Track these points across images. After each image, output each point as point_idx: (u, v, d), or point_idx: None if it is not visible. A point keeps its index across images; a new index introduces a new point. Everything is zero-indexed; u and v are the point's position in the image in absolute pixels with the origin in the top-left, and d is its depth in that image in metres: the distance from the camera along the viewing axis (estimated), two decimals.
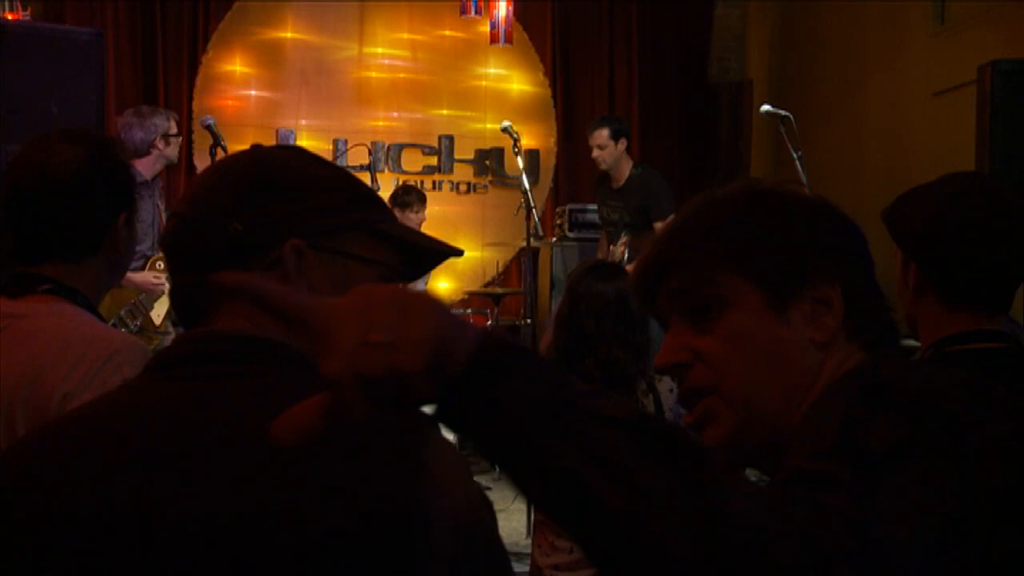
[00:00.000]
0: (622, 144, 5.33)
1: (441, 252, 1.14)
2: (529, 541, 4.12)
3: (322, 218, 1.00)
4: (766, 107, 4.62)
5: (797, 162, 4.46)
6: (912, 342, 1.58)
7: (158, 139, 4.44)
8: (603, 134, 5.30)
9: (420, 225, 5.98)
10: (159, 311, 4.59)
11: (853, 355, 0.97)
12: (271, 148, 1.16)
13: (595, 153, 5.37)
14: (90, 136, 1.66)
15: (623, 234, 5.22)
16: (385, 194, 6.02)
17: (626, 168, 5.36)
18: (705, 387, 0.99)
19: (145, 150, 4.38)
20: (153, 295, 4.47)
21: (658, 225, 5.20)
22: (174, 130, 4.55)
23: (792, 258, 0.98)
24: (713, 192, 1.06)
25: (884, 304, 1.02)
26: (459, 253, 1.15)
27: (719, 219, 1.01)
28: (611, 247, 5.33)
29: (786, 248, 0.98)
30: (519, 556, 4.02)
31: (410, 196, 5.93)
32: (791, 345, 0.97)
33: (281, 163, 1.04)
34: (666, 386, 2.54)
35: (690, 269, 1.00)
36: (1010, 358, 1.42)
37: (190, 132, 6.62)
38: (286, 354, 0.93)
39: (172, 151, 4.57)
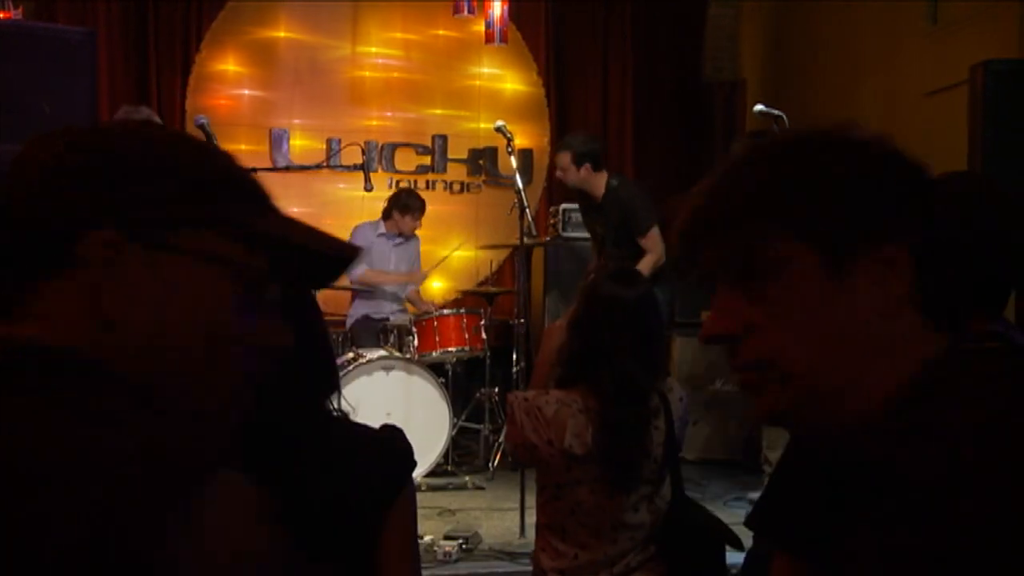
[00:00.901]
0: (586, 169, 5.17)
1: (333, 255, 0.94)
2: (522, 541, 4.14)
3: (154, 208, 0.82)
4: (759, 107, 4.62)
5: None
6: None
7: None
8: (565, 158, 5.18)
9: (413, 230, 5.99)
10: None
11: (926, 331, 0.88)
12: (127, 124, 0.97)
13: (557, 173, 5.30)
14: (67, 133, 1.64)
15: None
16: (379, 194, 6.02)
17: (599, 185, 5.25)
18: (760, 360, 0.90)
19: None
20: None
21: (640, 240, 5.18)
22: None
23: (851, 214, 0.88)
24: (758, 140, 0.95)
25: (966, 266, 0.93)
26: (355, 255, 0.96)
27: (766, 171, 0.92)
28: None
29: (843, 202, 0.88)
30: (513, 556, 4.03)
31: (413, 201, 5.95)
32: (853, 314, 0.88)
33: (122, 143, 0.87)
34: (676, 395, 2.52)
35: (736, 230, 0.90)
36: (1006, 359, 1.42)
37: (183, 131, 6.61)
38: (73, 367, 0.78)
39: None
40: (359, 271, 5.90)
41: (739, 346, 0.91)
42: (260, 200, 0.90)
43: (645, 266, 5.06)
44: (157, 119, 4.56)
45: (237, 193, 0.88)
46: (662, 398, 2.44)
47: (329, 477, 1.59)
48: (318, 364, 1.66)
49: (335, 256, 0.94)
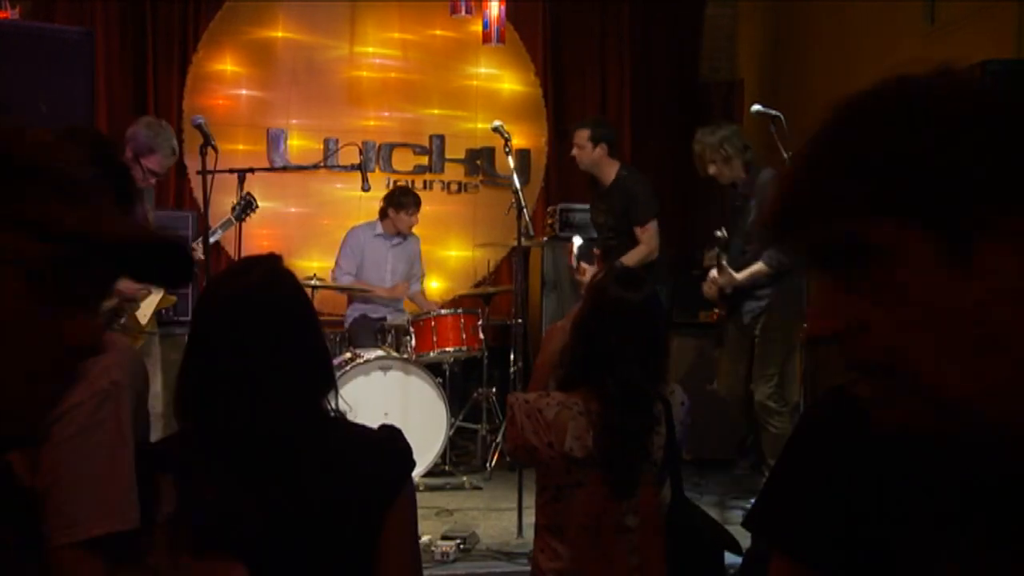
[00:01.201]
0: (601, 149, 5.26)
1: (155, 244, 0.86)
2: (520, 541, 4.13)
3: None
4: (756, 107, 4.61)
5: (788, 162, 4.45)
6: None
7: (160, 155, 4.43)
8: (583, 135, 5.27)
9: (410, 227, 5.99)
10: (146, 311, 4.58)
11: None
12: None
13: (573, 151, 5.35)
14: (89, 135, 1.64)
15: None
16: (377, 194, 6.03)
17: (611, 171, 5.32)
18: (876, 363, 0.79)
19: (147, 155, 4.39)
20: (135, 300, 4.48)
21: (637, 231, 5.20)
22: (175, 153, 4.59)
23: (966, 186, 0.74)
24: (851, 100, 0.82)
25: None
26: (181, 243, 0.88)
27: (863, 143, 0.79)
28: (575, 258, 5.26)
29: (955, 173, 0.74)
30: (511, 556, 4.02)
31: (407, 198, 5.98)
32: (980, 303, 0.74)
33: None
34: (677, 399, 2.51)
35: (833, 215, 0.78)
36: None
37: (180, 132, 6.58)
38: None
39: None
40: (345, 281, 5.91)
41: (850, 346, 0.80)
42: (71, 192, 0.83)
43: (632, 257, 5.07)
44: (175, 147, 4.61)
45: (41, 187, 0.82)
46: (664, 403, 2.43)
47: (329, 477, 1.60)
48: (315, 365, 1.68)
49: (160, 249, 0.86)
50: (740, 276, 4.61)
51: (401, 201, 5.95)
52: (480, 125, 7.05)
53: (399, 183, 6.68)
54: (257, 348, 1.60)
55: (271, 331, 1.61)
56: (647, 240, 5.19)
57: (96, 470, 1.43)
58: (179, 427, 1.68)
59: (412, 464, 1.72)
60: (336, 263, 6.03)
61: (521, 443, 2.35)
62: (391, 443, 1.70)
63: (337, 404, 1.69)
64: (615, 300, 2.39)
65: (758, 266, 4.59)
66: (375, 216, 6.10)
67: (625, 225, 5.26)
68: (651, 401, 2.38)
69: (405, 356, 5.38)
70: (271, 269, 1.68)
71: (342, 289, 5.95)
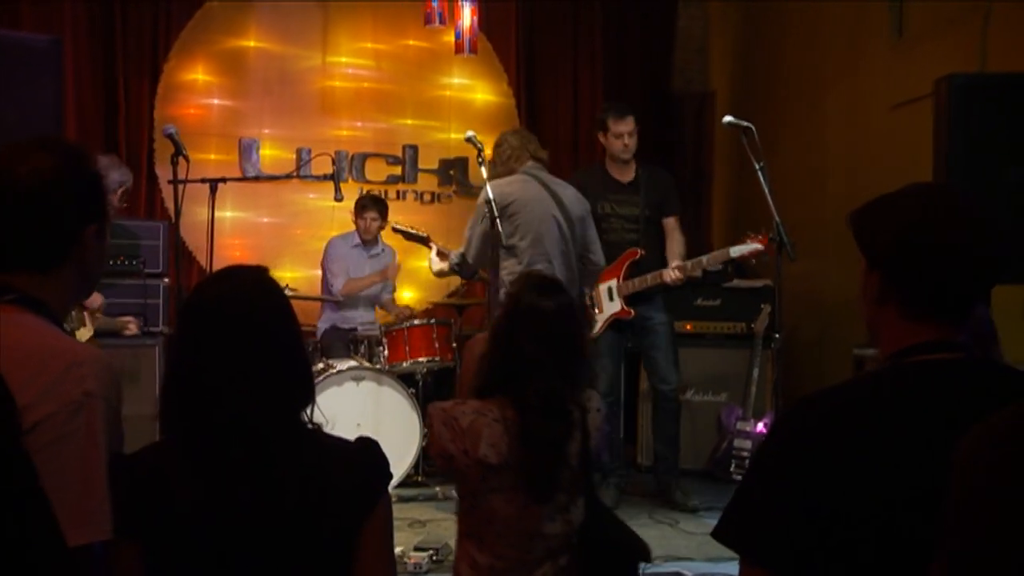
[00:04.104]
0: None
1: None
2: None
3: None
4: (728, 118, 4.62)
5: (759, 172, 4.47)
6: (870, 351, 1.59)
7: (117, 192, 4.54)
8: (632, 121, 5.13)
9: (377, 230, 5.98)
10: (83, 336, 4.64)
11: None
12: None
13: (626, 141, 5.11)
14: (63, 145, 1.65)
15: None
16: (350, 204, 6.02)
17: (634, 163, 5.25)
18: None
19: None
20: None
21: (670, 221, 5.21)
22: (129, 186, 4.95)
23: None
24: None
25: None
26: None
27: None
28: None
29: None
30: None
31: (366, 200, 6.06)
32: None
33: None
34: (594, 405, 2.52)
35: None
36: (968, 369, 1.42)
37: (151, 142, 6.55)
38: None
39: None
40: (339, 283, 5.88)
41: None
42: None
43: (682, 245, 5.17)
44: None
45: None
46: (581, 410, 2.44)
47: (305, 488, 1.61)
48: (296, 376, 1.69)
49: None
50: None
51: (363, 204, 6.00)
52: (453, 135, 7.06)
53: (372, 193, 6.66)
54: (240, 356, 1.62)
55: (254, 340, 1.63)
56: (680, 229, 5.26)
57: (70, 480, 1.42)
58: (161, 434, 1.69)
59: (389, 476, 1.73)
60: (329, 273, 5.98)
61: (439, 451, 2.38)
62: (368, 455, 1.71)
63: (312, 416, 1.70)
64: (528, 307, 2.41)
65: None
66: (348, 227, 6.08)
67: (657, 216, 5.23)
68: (568, 408, 2.39)
69: (378, 366, 5.35)
70: (257, 278, 1.71)
71: (343, 299, 5.90)
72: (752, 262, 5.42)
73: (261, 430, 1.60)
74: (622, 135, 5.12)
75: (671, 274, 5.02)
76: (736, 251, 4.95)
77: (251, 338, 1.63)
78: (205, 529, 1.55)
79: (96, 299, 4.92)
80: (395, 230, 5.40)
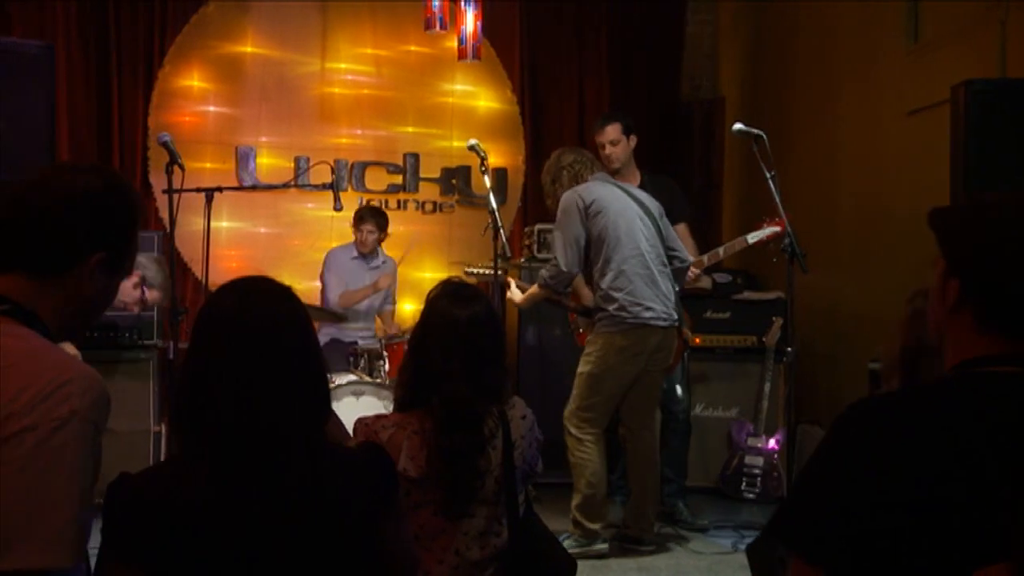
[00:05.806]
0: (633, 141, 5.05)
1: None
2: None
3: None
4: (738, 125, 4.55)
5: (770, 181, 4.39)
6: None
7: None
8: (616, 129, 5.00)
9: (374, 242, 5.87)
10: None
11: None
12: None
13: (608, 151, 5.01)
14: (108, 172, 1.69)
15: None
16: (349, 214, 5.92)
17: (636, 171, 5.12)
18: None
19: None
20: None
21: (679, 228, 5.01)
22: None
23: None
24: None
25: None
26: None
27: None
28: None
29: None
30: None
31: (364, 211, 5.96)
32: None
33: None
34: (518, 413, 2.45)
35: None
36: None
37: (145, 150, 6.45)
38: None
39: None
40: (335, 296, 5.78)
41: None
42: None
43: (695, 253, 5.00)
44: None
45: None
46: (501, 418, 2.39)
47: (324, 498, 1.64)
48: (315, 388, 1.72)
49: None
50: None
51: (361, 215, 5.90)
52: (456, 143, 6.92)
53: (372, 202, 6.56)
54: (263, 369, 1.64)
55: (279, 353, 1.66)
56: (691, 236, 5.16)
57: (35, 499, 1.38)
58: (176, 441, 1.71)
59: (396, 476, 1.81)
60: (326, 286, 5.90)
61: None
62: (376, 457, 1.79)
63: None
64: (440, 316, 2.39)
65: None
66: (348, 237, 5.98)
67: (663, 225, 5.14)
68: (479, 418, 2.34)
69: (378, 380, 5.24)
70: (281, 292, 1.77)
71: (340, 311, 5.76)
72: (766, 266, 5.29)
73: (283, 443, 1.62)
74: (603, 145, 5.06)
75: (690, 272, 4.86)
76: (753, 237, 4.85)
77: (276, 351, 1.66)
78: (220, 544, 1.57)
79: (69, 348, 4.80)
80: (467, 274, 5.09)
